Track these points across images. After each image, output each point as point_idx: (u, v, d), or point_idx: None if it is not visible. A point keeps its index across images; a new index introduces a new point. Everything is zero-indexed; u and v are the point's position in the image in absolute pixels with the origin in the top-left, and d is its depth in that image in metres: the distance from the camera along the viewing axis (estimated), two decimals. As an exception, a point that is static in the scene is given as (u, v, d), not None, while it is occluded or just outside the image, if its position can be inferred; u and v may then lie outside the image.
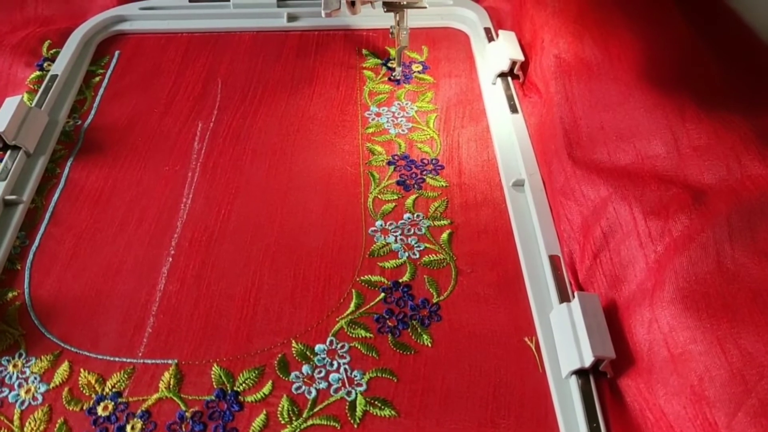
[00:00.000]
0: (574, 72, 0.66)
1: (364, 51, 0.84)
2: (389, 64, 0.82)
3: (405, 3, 0.68)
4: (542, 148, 0.66)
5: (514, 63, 0.75)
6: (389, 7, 0.70)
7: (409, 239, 0.62)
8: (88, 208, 0.66)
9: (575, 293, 0.53)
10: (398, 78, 0.79)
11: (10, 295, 0.58)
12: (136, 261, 0.61)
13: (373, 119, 0.75)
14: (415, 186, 0.67)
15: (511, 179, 0.66)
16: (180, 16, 0.88)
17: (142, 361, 0.54)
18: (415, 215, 0.65)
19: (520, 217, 0.63)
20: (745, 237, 0.48)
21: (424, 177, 0.68)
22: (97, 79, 0.80)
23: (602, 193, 0.56)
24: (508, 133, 0.71)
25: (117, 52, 0.84)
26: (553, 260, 0.58)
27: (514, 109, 0.73)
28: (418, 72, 0.81)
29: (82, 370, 0.53)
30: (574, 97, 0.64)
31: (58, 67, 0.78)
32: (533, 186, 0.64)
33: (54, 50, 0.82)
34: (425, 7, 0.69)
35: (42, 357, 0.54)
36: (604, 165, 0.58)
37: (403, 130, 0.74)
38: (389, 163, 0.70)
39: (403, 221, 0.64)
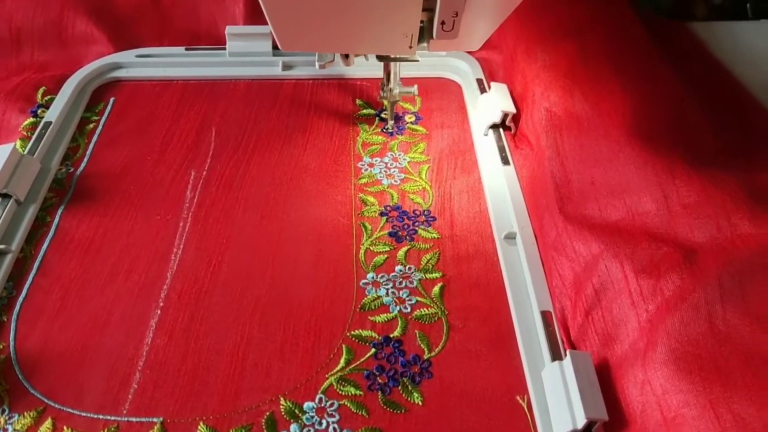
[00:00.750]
0: (565, 126, 0.66)
1: (358, 101, 0.85)
2: (383, 115, 0.82)
3: (398, 57, 0.69)
4: (534, 201, 0.67)
5: (506, 115, 0.76)
6: (382, 60, 0.71)
7: (401, 292, 0.62)
8: (78, 257, 0.65)
9: (567, 351, 0.52)
10: (391, 131, 0.80)
11: (-6, 348, 0.57)
12: (125, 314, 0.60)
13: (366, 170, 0.75)
14: (407, 238, 0.67)
15: (503, 232, 0.66)
16: (176, 64, 0.88)
17: (126, 419, 0.52)
18: (407, 267, 0.64)
19: (512, 271, 0.63)
20: (736, 298, 0.47)
21: (416, 228, 0.68)
22: (91, 125, 0.81)
23: (593, 249, 0.56)
24: (499, 185, 0.71)
25: (112, 99, 0.85)
26: (545, 316, 0.58)
27: (505, 161, 0.73)
28: (411, 123, 0.82)
29: (65, 427, 0.52)
30: (565, 151, 0.64)
31: (52, 114, 0.78)
32: (525, 239, 0.65)
33: (49, 97, 0.82)
34: (417, 60, 0.69)
35: (25, 413, 0.53)
36: (595, 221, 0.58)
37: (395, 181, 0.74)
38: (381, 214, 0.70)
39: (395, 273, 0.64)
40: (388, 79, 0.74)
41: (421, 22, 0.58)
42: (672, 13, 0.88)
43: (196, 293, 0.62)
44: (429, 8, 0.57)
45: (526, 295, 0.61)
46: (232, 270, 0.64)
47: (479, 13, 0.59)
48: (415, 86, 0.76)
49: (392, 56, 0.69)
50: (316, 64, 0.72)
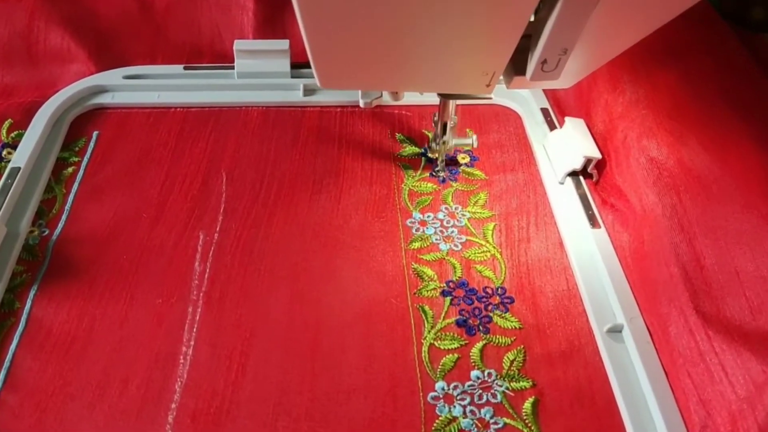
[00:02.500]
0: (683, 187, 0.52)
1: (398, 135, 0.70)
2: (429, 154, 0.67)
3: (466, 95, 0.54)
4: (645, 284, 0.52)
5: (589, 161, 0.62)
6: (444, 97, 0.56)
7: (482, 411, 0.48)
8: (56, 361, 0.50)
9: None
10: (442, 174, 0.65)
11: None
12: (121, 448, 0.45)
13: (417, 229, 0.60)
14: (481, 328, 0.53)
15: (605, 324, 0.52)
16: (173, 87, 0.72)
17: None
18: (485, 373, 0.50)
19: (624, 380, 0.49)
20: None
21: (491, 315, 0.54)
22: (71, 170, 0.65)
23: (756, 375, 0.42)
24: (589, 254, 0.57)
25: (95, 133, 0.69)
26: (681, 452, 0.44)
27: (593, 222, 0.59)
28: (466, 165, 0.67)
29: None
30: (689, 222, 0.50)
31: (21, 158, 0.62)
32: (636, 335, 0.50)
33: (16, 132, 0.66)
34: (491, 98, 0.55)
35: None
36: (749, 328, 0.44)
37: (456, 246, 0.59)
38: (444, 294, 0.55)
39: (471, 382, 0.49)
40: (444, 130, 0.59)
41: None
42: (762, 26, 0.73)
43: (215, 413, 0.47)
44: (522, 45, 0.43)
45: (647, 417, 0.47)
46: (259, 377, 0.49)
47: (588, 50, 0.44)
48: (474, 137, 0.62)
49: (461, 94, 0.54)
50: (361, 101, 0.57)
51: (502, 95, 0.73)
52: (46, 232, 0.59)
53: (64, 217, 0.60)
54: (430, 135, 0.69)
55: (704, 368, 0.44)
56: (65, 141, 0.67)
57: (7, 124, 0.66)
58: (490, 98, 0.55)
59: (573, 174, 0.63)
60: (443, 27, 0.40)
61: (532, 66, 0.45)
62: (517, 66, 0.47)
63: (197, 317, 0.53)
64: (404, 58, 0.45)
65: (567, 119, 0.65)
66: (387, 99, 0.62)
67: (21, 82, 0.72)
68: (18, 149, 0.63)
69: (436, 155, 0.64)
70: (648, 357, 0.49)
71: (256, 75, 0.73)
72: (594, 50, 0.46)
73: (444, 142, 0.60)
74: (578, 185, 0.63)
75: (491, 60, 0.46)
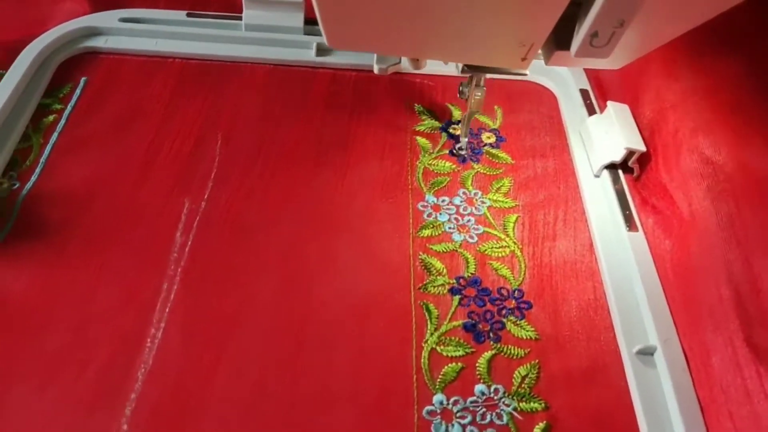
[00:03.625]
0: (743, 195, 0.44)
1: (416, 107, 0.62)
2: (451, 130, 0.60)
3: (497, 69, 0.47)
4: (686, 302, 0.45)
5: (631, 153, 0.54)
6: (473, 70, 0.48)
7: (485, 433, 0.41)
8: (8, 335, 0.44)
9: None
10: (464, 153, 0.58)
11: None
12: (69, 441, 0.40)
13: (429, 215, 0.54)
14: (491, 336, 0.46)
15: (635, 344, 0.45)
16: (173, 35, 0.65)
17: None
18: (492, 389, 0.43)
19: (652, 412, 0.42)
20: None
21: (504, 320, 0.47)
22: (51, 118, 0.58)
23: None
24: (623, 261, 0.50)
25: (83, 80, 0.62)
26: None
27: (630, 224, 0.51)
28: (491, 145, 0.59)
29: None
30: (747, 237, 0.43)
31: (-1, 98, 0.56)
32: (671, 361, 0.43)
33: (-3, 72, 0.60)
34: (526, 74, 0.47)
35: None
36: (810, 370, 0.37)
37: (471, 237, 0.52)
38: (453, 292, 0.49)
39: (474, 398, 0.43)
40: (471, 80, 0.52)
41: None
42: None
43: (179, 413, 0.41)
44: (568, 13, 0.35)
45: (677, 459, 0.40)
46: (233, 373, 0.43)
47: (647, 24, 0.37)
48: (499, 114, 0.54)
49: (490, 66, 0.47)
50: (375, 67, 0.50)
51: (537, 71, 0.65)
52: (17, 185, 0.53)
53: (38, 170, 0.54)
54: (454, 109, 0.62)
55: (750, 411, 0.37)
56: (49, 86, 0.61)
57: (-13, 62, 0.60)
58: (525, 74, 0.48)
59: (611, 167, 0.56)
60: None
61: (579, 39, 0.37)
62: (559, 38, 0.39)
63: (171, 296, 0.47)
64: (426, 20, 0.38)
65: (609, 104, 0.57)
66: (406, 66, 0.55)
67: (9, 18, 0.65)
68: (-5, 91, 0.57)
69: (461, 117, 0.56)
70: (682, 388, 0.42)
71: (266, 28, 0.65)
72: (656, 25, 0.38)
73: (475, 95, 0.52)
74: (616, 180, 0.55)
75: (530, 28, 0.38)
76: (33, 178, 0.53)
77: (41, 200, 0.52)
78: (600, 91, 0.63)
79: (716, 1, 0.36)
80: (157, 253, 0.49)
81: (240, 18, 0.65)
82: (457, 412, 0.42)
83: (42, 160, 0.55)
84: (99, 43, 0.64)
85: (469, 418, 0.42)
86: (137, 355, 0.44)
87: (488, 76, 0.51)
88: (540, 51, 0.41)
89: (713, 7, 0.36)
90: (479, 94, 0.53)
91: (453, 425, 0.42)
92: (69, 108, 0.59)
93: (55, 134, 0.57)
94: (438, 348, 0.45)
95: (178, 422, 0.41)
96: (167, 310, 0.46)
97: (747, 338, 0.39)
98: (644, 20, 0.36)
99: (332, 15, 0.39)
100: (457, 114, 0.61)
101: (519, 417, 0.42)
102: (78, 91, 0.61)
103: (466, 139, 0.58)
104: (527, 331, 0.47)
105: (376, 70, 0.51)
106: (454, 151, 0.58)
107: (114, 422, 0.41)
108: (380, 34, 0.41)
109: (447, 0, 0.35)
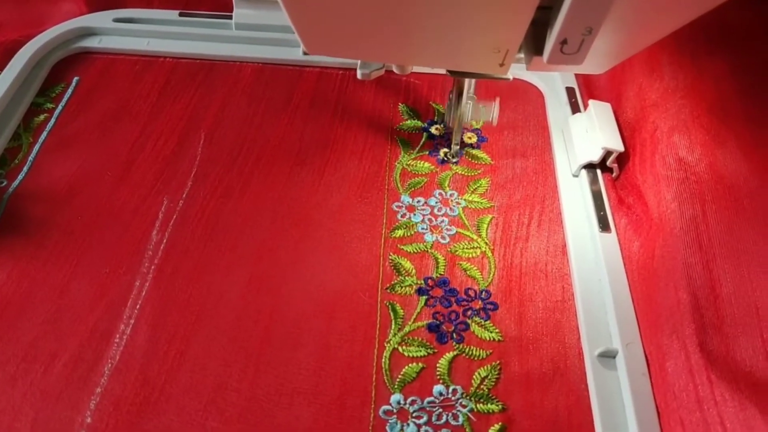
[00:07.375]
0: (710, 197, 0.44)
1: (400, 106, 0.62)
2: (432, 130, 0.60)
3: (480, 74, 0.47)
4: (648, 306, 0.45)
5: (608, 153, 0.53)
6: (455, 75, 0.48)
7: (440, 433, 0.42)
8: (-14, 327, 0.46)
9: None
10: (455, 160, 0.58)
11: None
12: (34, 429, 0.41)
13: (403, 215, 0.54)
14: (454, 336, 0.46)
15: (597, 346, 0.44)
16: (165, 34, 0.67)
17: None
18: (450, 389, 0.44)
19: (609, 416, 0.42)
20: None
21: (468, 321, 0.47)
22: (42, 117, 0.60)
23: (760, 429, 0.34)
24: (593, 263, 0.49)
25: (75, 79, 0.64)
26: None
27: (604, 225, 0.51)
28: (471, 146, 0.59)
29: None
30: (709, 241, 0.42)
31: (-9, 100, 0.58)
32: (631, 365, 0.43)
33: (-6, 71, 0.62)
34: (509, 79, 0.47)
35: None
36: (761, 378, 0.36)
37: (443, 238, 0.52)
38: (420, 292, 0.49)
39: (431, 399, 0.43)
40: (459, 97, 0.52)
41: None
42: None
43: (141, 403, 0.43)
44: (541, 19, 0.35)
45: (630, 464, 0.40)
46: (197, 367, 0.44)
47: (619, 30, 0.36)
48: (495, 102, 0.54)
49: (474, 72, 0.47)
50: (358, 72, 0.50)
51: (524, 69, 0.64)
52: (4, 183, 0.55)
53: (25, 169, 0.56)
54: (439, 108, 0.62)
55: (700, 418, 0.37)
56: (43, 85, 0.63)
57: (-16, 62, 0.62)
58: (508, 78, 0.48)
59: (590, 166, 0.55)
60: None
61: (549, 46, 0.36)
62: (537, 44, 0.39)
63: (143, 293, 0.48)
64: (399, 26, 0.38)
65: (591, 103, 0.56)
66: (393, 68, 0.55)
67: (8, 19, 0.67)
68: (-10, 90, 0.59)
69: (452, 129, 0.56)
70: (641, 393, 0.42)
71: (255, 27, 0.66)
72: (628, 33, 0.37)
73: (461, 113, 0.52)
74: (594, 180, 0.55)
75: (502, 35, 0.38)
76: (20, 177, 0.55)
77: (26, 198, 0.54)
78: (587, 89, 0.62)
79: (688, 9, 0.35)
80: (133, 251, 0.50)
81: (230, 17, 0.66)
82: (414, 412, 0.43)
83: (30, 158, 0.57)
84: (93, 43, 0.66)
85: (424, 419, 0.42)
86: (105, 350, 0.45)
87: (473, 80, 0.51)
88: (522, 55, 0.41)
89: (686, 14, 0.35)
90: (470, 103, 0.53)
91: (408, 425, 0.42)
92: (59, 107, 0.61)
93: (44, 133, 0.59)
94: (400, 348, 0.46)
95: (139, 415, 0.42)
96: (138, 306, 0.47)
97: (701, 344, 0.38)
98: (615, 28, 0.35)
99: (303, 21, 0.39)
100: (440, 109, 0.61)
101: (473, 418, 0.42)
102: (69, 91, 0.62)
103: (458, 147, 0.58)
104: (491, 332, 0.46)
105: (359, 76, 0.52)
106: (446, 158, 0.58)
107: (78, 415, 0.42)
108: (356, 41, 0.41)
109: (416, 7, 0.35)
